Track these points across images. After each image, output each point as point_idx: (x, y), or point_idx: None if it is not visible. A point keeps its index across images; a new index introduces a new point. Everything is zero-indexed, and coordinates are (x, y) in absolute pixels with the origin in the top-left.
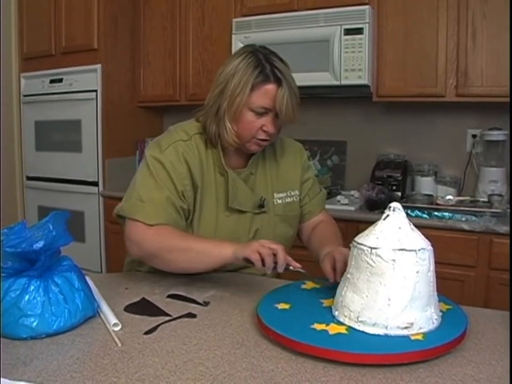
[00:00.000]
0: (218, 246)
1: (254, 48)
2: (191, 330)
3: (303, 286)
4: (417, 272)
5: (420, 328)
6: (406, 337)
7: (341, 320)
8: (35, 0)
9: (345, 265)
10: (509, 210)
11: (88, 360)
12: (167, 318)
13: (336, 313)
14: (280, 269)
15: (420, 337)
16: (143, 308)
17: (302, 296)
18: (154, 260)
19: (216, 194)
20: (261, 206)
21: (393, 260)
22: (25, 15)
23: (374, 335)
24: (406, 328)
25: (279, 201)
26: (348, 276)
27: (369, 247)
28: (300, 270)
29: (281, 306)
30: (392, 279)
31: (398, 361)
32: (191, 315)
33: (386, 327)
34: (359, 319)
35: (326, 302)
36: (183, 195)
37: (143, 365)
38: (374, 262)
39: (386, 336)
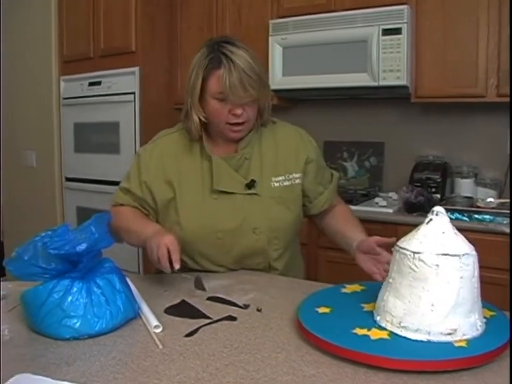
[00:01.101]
0: (144, 230)
1: (212, 42)
2: (232, 333)
3: (343, 290)
4: (461, 277)
5: (464, 334)
6: (449, 343)
7: (383, 325)
8: (74, 4)
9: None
10: None
11: (129, 361)
12: (208, 321)
13: (378, 318)
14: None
15: (463, 344)
16: (183, 310)
17: (342, 300)
18: (119, 236)
19: (203, 179)
20: (249, 186)
21: (437, 265)
22: (65, 18)
23: (416, 341)
24: (449, 334)
25: (276, 184)
26: (390, 280)
27: (412, 252)
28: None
29: (322, 310)
30: (435, 284)
31: (441, 368)
32: (231, 318)
33: (429, 333)
34: (402, 324)
35: (366, 307)
36: (146, 186)
37: (184, 368)
38: (417, 267)
39: (429, 342)
